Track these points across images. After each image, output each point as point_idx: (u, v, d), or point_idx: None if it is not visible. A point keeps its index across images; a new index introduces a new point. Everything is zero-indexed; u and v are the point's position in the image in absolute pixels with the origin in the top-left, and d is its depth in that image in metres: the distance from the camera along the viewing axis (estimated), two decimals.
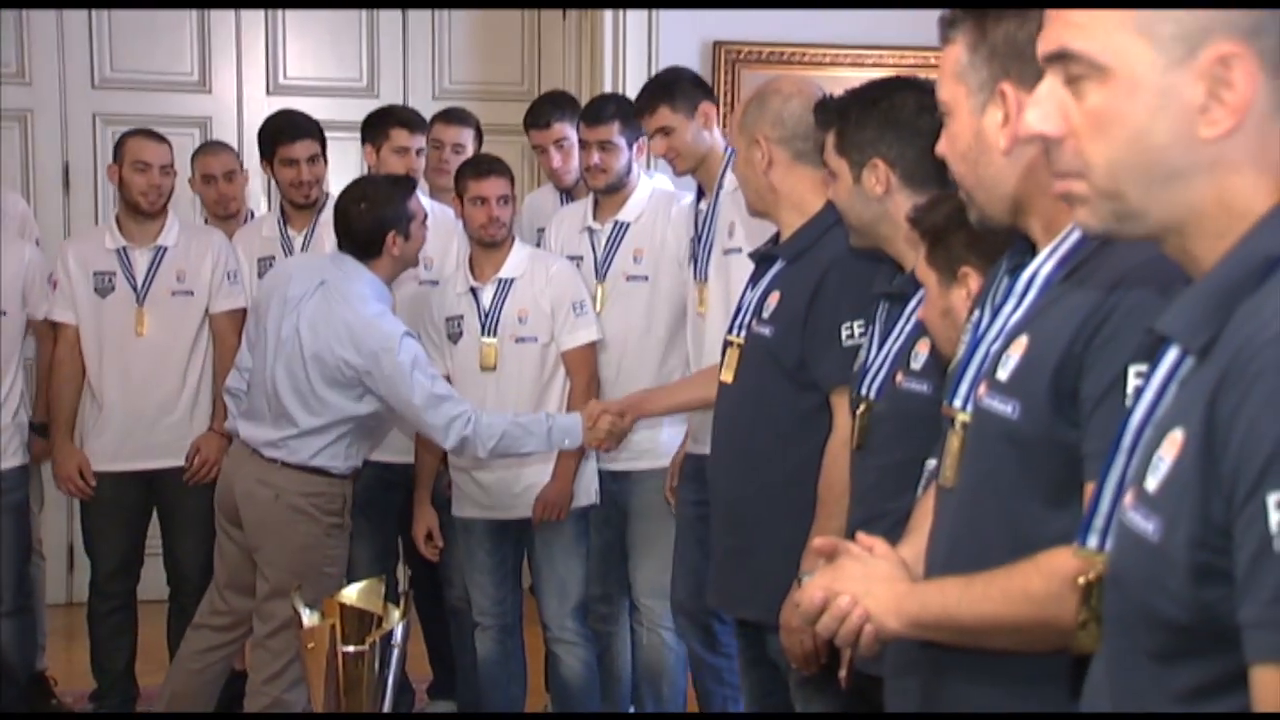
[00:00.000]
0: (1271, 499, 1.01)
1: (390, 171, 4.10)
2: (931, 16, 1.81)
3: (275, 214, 4.39)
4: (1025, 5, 1.63)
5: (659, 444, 3.81)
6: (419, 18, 5.61)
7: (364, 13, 5.57)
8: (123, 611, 4.20)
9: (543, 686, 4.16)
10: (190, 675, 3.79)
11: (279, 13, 5.53)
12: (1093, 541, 1.37)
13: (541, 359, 3.78)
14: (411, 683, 4.23)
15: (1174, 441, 1.12)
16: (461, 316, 3.82)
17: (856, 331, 2.68)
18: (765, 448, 2.82)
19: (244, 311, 4.07)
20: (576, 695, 3.92)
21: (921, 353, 2.34)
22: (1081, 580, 1.37)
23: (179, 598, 4.20)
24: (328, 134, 4.35)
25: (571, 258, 3.91)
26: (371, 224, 3.55)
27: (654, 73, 4.19)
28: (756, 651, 2.95)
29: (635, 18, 4.96)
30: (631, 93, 4.08)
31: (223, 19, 5.50)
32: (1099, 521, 1.35)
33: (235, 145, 5.12)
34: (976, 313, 1.82)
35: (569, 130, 4.02)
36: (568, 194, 4.26)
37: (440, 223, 4.10)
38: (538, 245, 4.06)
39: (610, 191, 3.85)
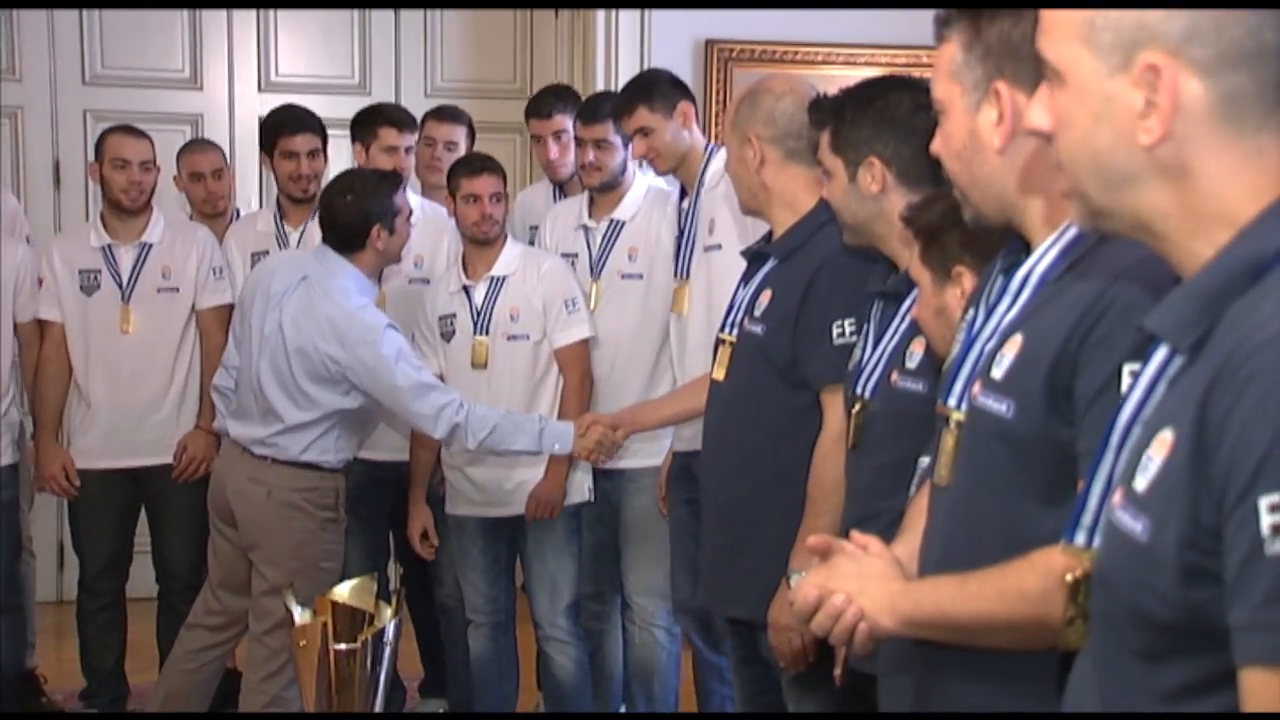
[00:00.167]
0: (1263, 502, 1.01)
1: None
2: (924, 16, 1.82)
3: (271, 208, 4.38)
4: (1020, 5, 1.63)
5: (651, 442, 3.81)
6: (411, 15, 5.60)
7: (356, 10, 5.56)
8: (111, 609, 4.20)
9: (534, 685, 4.15)
10: (184, 675, 3.78)
11: (270, 10, 5.51)
12: (1080, 538, 1.37)
13: (534, 357, 3.77)
14: (403, 681, 4.23)
15: (1163, 442, 1.12)
16: (454, 315, 3.81)
17: (848, 330, 2.69)
18: (756, 446, 2.82)
19: (230, 307, 4.05)
20: (568, 694, 3.92)
21: (916, 352, 2.34)
22: (1069, 577, 1.37)
23: (168, 595, 4.19)
24: None
25: (566, 255, 3.91)
26: (357, 216, 3.54)
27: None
28: (748, 650, 2.94)
29: (628, 16, 4.96)
30: None
31: (214, 16, 5.48)
32: (1087, 518, 1.36)
33: (226, 143, 5.11)
34: (971, 312, 1.83)
35: (569, 123, 4.02)
36: (561, 188, 4.26)
37: (432, 220, 4.10)
38: (531, 243, 4.07)
39: (606, 189, 3.85)
